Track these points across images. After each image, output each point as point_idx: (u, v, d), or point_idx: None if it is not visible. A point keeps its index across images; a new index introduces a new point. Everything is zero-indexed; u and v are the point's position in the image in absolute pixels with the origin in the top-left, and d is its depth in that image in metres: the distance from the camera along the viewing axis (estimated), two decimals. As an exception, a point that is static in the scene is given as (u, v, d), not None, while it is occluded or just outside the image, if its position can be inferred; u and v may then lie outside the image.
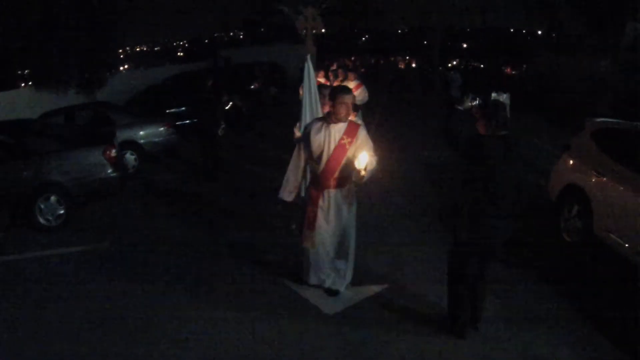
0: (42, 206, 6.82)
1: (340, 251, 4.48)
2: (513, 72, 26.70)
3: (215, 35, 76.14)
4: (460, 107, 3.93)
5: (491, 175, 3.60)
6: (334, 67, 11.06)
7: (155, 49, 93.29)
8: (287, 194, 4.51)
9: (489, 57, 34.57)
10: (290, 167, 4.48)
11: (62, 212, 6.89)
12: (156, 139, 9.68)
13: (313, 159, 4.31)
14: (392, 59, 34.99)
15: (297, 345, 3.94)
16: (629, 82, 13.49)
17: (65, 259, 5.90)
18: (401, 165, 9.02)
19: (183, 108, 11.96)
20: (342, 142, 4.18)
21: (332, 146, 4.19)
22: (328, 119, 4.27)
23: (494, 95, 3.70)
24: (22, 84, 27.78)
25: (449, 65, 29.07)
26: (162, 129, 9.83)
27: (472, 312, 3.93)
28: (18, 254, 6.06)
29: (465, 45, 58.08)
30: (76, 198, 7.00)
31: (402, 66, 31.08)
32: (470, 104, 3.86)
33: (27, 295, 5.03)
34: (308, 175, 4.71)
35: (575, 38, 19.57)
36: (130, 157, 9.37)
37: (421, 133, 12.59)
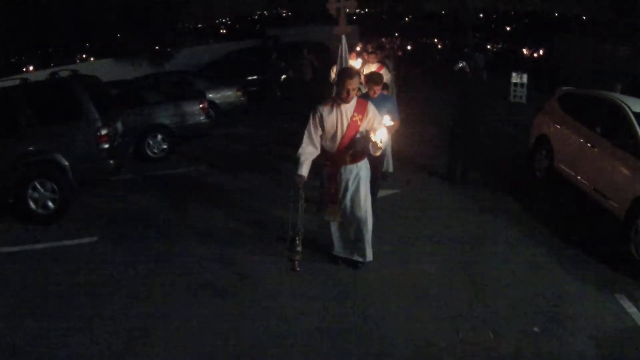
0: (151, 142, 9.29)
1: (361, 224, 4.65)
2: (526, 54, 27.69)
3: (258, 13, 78.34)
4: (455, 68, 7.78)
5: (468, 93, 7.32)
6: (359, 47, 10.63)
7: (199, 26, 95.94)
8: (305, 169, 4.40)
9: (512, 39, 35.24)
10: (304, 144, 4.42)
11: (165, 147, 9.36)
12: (229, 100, 12.09)
13: (327, 139, 4.43)
14: (425, 41, 35.76)
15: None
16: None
17: (166, 178, 8.26)
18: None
19: (252, 77, 14.22)
20: (354, 119, 4.30)
21: (345, 124, 4.31)
22: (337, 99, 4.33)
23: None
24: (81, 56, 30.52)
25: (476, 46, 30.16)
26: (232, 92, 12.22)
27: (462, 175, 7.34)
28: (133, 175, 8.40)
29: (508, 29, 58.32)
30: (177, 137, 9.46)
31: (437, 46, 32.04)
32: (460, 64, 7.90)
33: (141, 194, 7.36)
34: None
35: (601, 24, 20.66)
36: (208, 113, 11.74)
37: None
